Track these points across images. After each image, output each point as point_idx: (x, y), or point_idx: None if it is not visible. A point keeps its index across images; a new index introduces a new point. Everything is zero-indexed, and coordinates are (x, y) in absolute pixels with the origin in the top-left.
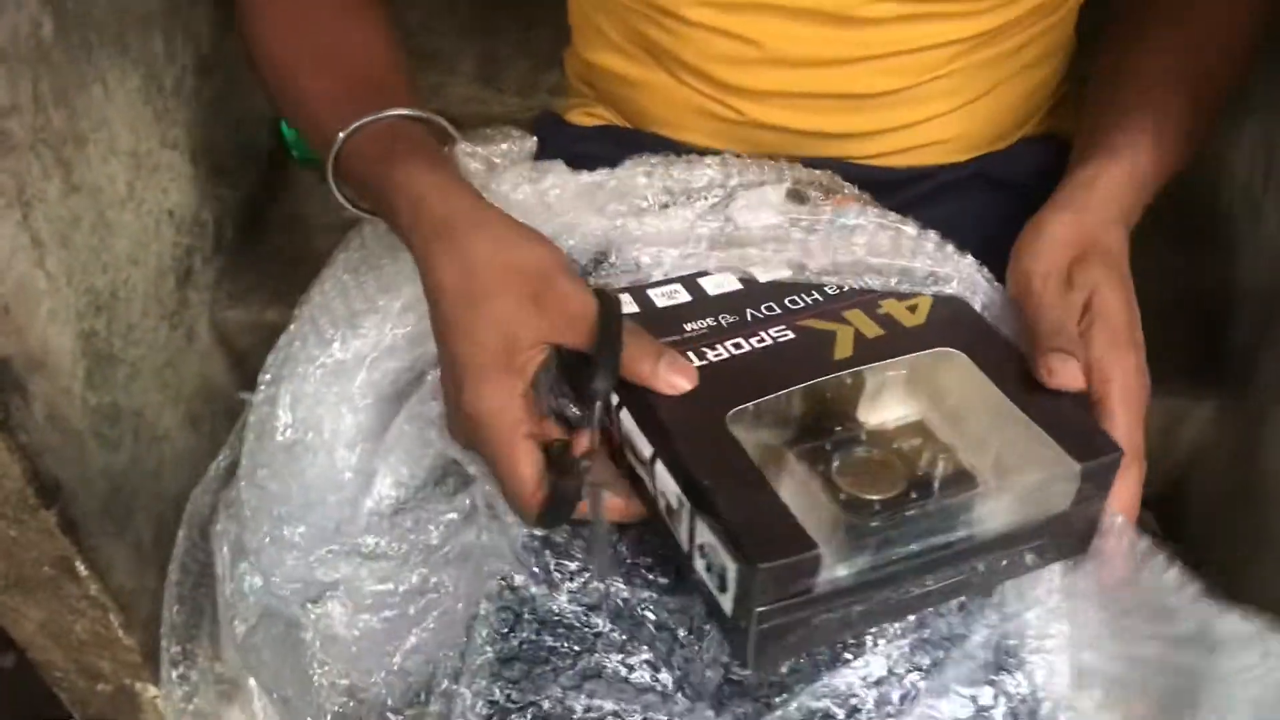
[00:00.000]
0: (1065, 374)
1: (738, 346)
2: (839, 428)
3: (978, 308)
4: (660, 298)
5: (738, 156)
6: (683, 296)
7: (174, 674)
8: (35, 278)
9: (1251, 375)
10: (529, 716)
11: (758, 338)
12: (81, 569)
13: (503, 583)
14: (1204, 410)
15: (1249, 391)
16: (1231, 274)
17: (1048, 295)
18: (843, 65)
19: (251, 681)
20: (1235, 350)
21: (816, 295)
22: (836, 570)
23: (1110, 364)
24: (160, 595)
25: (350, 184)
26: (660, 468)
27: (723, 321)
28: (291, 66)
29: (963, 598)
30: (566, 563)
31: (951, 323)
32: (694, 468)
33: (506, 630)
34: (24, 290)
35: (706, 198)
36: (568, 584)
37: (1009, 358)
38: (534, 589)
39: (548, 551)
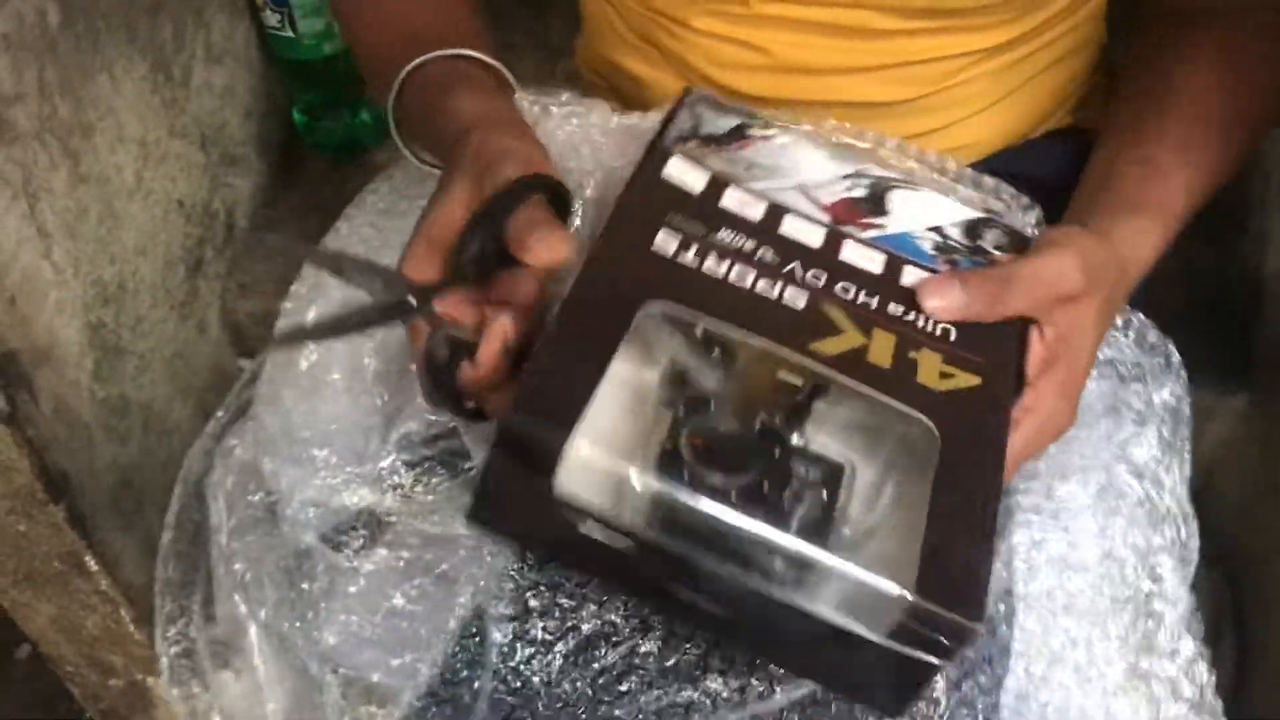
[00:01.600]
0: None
1: (741, 277)
2: (758, 407)
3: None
4: (731, 201)
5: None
6: (754, 214)
7: (170, 631)
8: (42, 269)
9: None
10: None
11: (769, 283)
12: (91, 564)
13: None
14: (1232, 406)
15: (1277, 387)
16: (1260, 270)
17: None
18: (854, 74)
19: (252, 633)
20: (1264, 346)
21: (870, 299)
22: (583, 490)
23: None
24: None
25: (410, 126)
26: (550, 323)
27: (761, 254)
28: (355, 19)
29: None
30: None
31: (963, 409)
32: (559, 331)
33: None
34: (30, 282)
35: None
36: None
37: (976, 472)
38: None
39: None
